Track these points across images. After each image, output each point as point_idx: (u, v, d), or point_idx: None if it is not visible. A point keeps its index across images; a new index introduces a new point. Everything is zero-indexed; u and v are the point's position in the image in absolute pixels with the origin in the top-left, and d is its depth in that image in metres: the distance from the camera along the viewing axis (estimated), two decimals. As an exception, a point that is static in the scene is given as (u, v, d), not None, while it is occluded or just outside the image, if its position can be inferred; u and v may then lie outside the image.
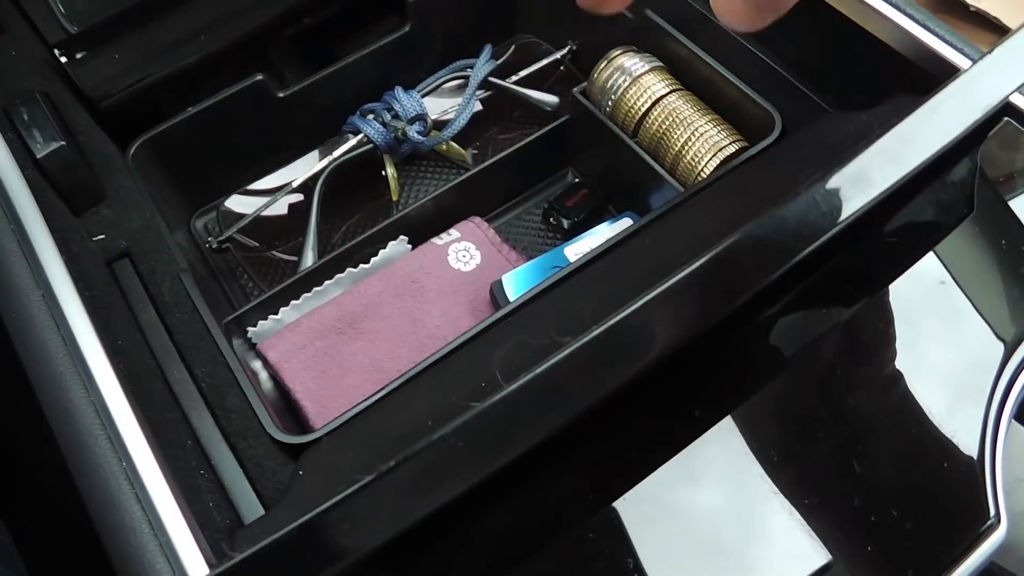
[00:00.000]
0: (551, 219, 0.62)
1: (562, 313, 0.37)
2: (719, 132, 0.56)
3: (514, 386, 0.27)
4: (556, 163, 0.65)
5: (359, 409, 0.44)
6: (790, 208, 0.34)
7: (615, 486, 0.39)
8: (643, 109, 0.57)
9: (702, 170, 0.55)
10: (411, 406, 0.39)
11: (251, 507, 0.42)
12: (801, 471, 0.41)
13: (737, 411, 0.42)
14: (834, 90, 0.55)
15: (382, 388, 0.44)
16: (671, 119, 0.57)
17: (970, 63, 0.47)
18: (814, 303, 0.44)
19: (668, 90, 0.58)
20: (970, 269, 0.49)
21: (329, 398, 0.51)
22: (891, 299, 0.47)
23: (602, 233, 0.58)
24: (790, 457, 0.41)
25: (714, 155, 0.55)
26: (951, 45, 0.48)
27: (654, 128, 0.57)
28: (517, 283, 0.54)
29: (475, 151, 0.68)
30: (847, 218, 0.34)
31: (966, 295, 0.48)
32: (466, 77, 0.66)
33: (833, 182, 0.35)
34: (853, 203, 0.34)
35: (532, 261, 0.56)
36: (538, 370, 0.27)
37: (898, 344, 0.46)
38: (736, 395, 0.42)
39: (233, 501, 0.42)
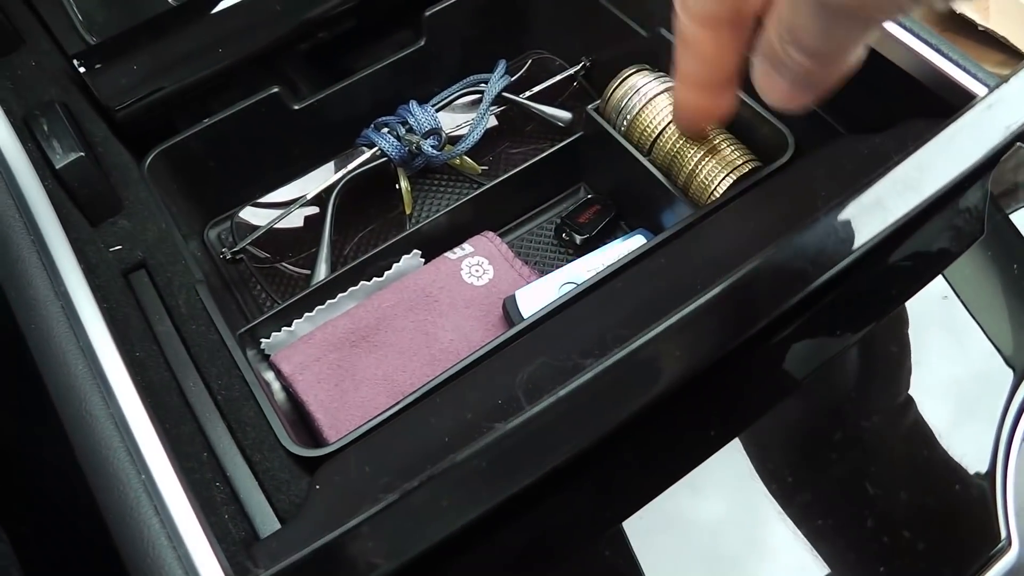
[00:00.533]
0: (563, 234, 0.62)
1: (581, 333, 0.38)
2: (732, 151, 0.56)
3: (538, 408, 0.28)
4: (569, 179, 0.66)
5: (374, 423, 0.44)
6: (809, 234, 0.34)
7: (628, 504, 0.39)
8: (658, 129, 0.58)
9: (715, 189, 0.56)
10: (427, 422, 0.40)
11: (266, 520, 0.42)
12: (813, 492, 0.41)
13: (749, 431, 0.42)
14: (846, 112, 0.55)
15: (397, 403, 0.45)
16: (684, 138, 0.57)
17: (983, 88, 0.47)
18: (826, 326, 0.44)
19: (682, 109, 0.58)
20: (979, 291, 0.50)
21: (342, 410, 0.51)
22: (901, 321, 0.47)
23: (614, 250, 0.59)
24: (802, 478, 0.42)
25: (727, 174, 0.55)
26: (964, 69, 0.49)
27: (668, 147, 0.58)
28: (530, 299, 0.54)
29: (486, 166, 0.68)
30: (864, 245, 0.34)
31: (974, 317, 0.49)
32: (480, 92, 0.67)
33: (851, 209, 0.35)
34: (870, 230, 0.35)
35: (545, 276, 0.57)
36: (562, 392, 0.28)
37: (908, 366, 0.46)
38: (748, 416, 0.43)
39: (248, 513, 0.42)
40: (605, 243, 0.61)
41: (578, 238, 0.62)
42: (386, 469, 0.38)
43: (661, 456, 0.39)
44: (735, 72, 0.33)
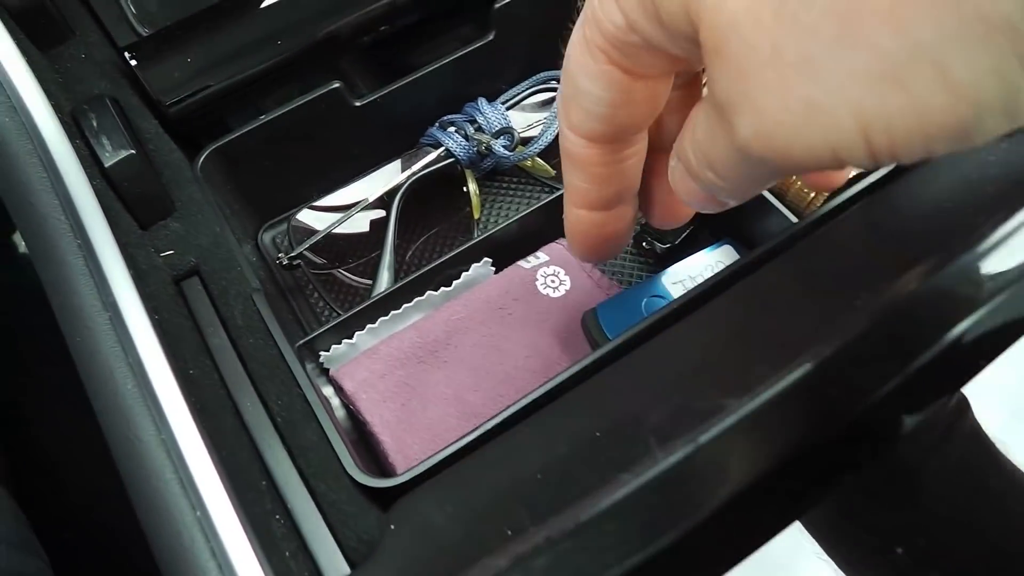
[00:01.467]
0: (643, 243, 0.58)
1: (701, 362, 0.33)
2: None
3: (680, 455, 0.23)
4: (648, 184, 0.61)
5: (450, 451, 0.40)
6: (975, 254, 0.29)
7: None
8: (751, 128, 0.53)
9: (815, 198, 0.51)
10: (514, 455, 0.35)
11: (331, 559, 0.38)
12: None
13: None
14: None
15: (475, 428, 0.40)
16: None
17: None
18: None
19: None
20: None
21: (409, 433, 0.47)
22: None
23: (701, 260, 0.54)
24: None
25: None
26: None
27: (762, 148, 0.53)
28: (613, 314, 0.50)
29: (556, 169, 0.64)
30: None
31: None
32: (551, 90, 0.62)
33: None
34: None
35: (628, 289, 0.52)
36: (707, 436, 0.23)
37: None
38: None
39: (312, 552, 0.38)
40: (688, 253, 0.56)
41: (659, 247, 0.57)
42: (472, 512, 0.33)
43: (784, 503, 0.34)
44: (633, 187, 0.29)
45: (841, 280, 0.37)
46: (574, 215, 0.29)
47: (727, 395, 0.24)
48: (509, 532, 0.31)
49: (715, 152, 0.22)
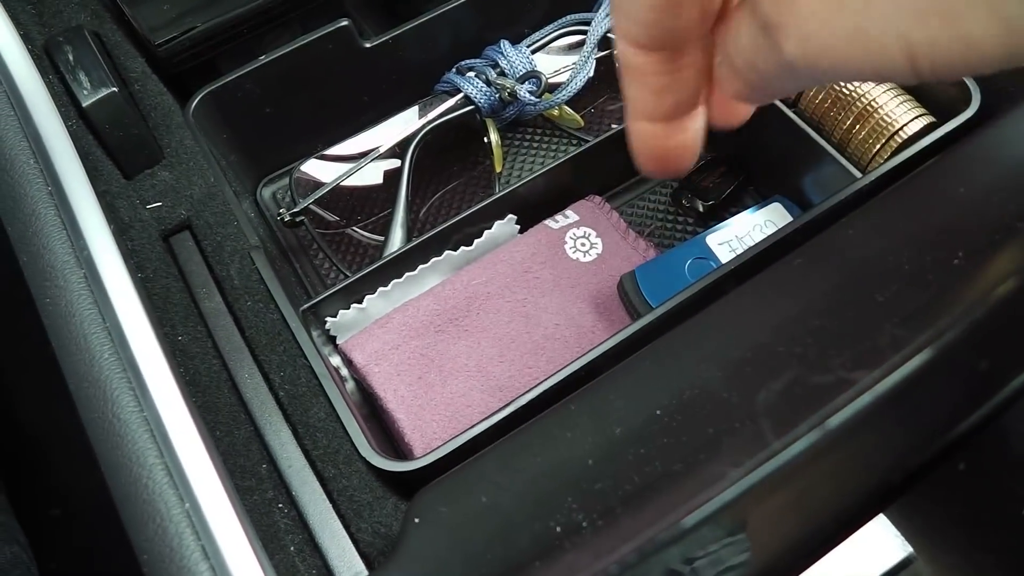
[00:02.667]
0: (684, 200, 0.52)
1: (799, 331, 0.27)
2: (901, 104, 0.46)
3: (804, 443, 0.18)
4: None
5: (477, 431, 0.34)
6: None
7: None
8: (808, 74, 0.47)
9: (880, 149, 0.45)
10: (561, 438, 0.30)
11: (343, 555, 0.32)
12: None
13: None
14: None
15: (505, 406, 0.35)
16: (840, 86, 0.47)
17: None
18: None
19: (838, 50, 0.47)
20: None
21: (427, 409, 0.42)
22: None
23: (748, 220, 0.48)
24: None
25: (896, 132, 0.45)
26: None
27: (819, 99, 0.47)
28: (654, 278, 0.45)
29: (584, 120, 0.58)
30: None
31: None
32: (579, 33, 0.56)
33: None
34: None
35: (668, 251, 0.47)
36: (841, 419, 0.18)
37: None
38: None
39: (321, 547, 0.33)
40: (732, 212, 0.51)
41: (701, 204, 0.51)
42: (512, 503, 0.28)
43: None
44: (694, 97, 0.26)
45: (934, 238, 0.32)
46: (635, 128, 0.27)
47: (857, 367, 0.19)
48: (558, 529, 0.26)
49: (759, 62, 0.22)
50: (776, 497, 0.19)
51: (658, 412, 0.28)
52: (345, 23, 0.51)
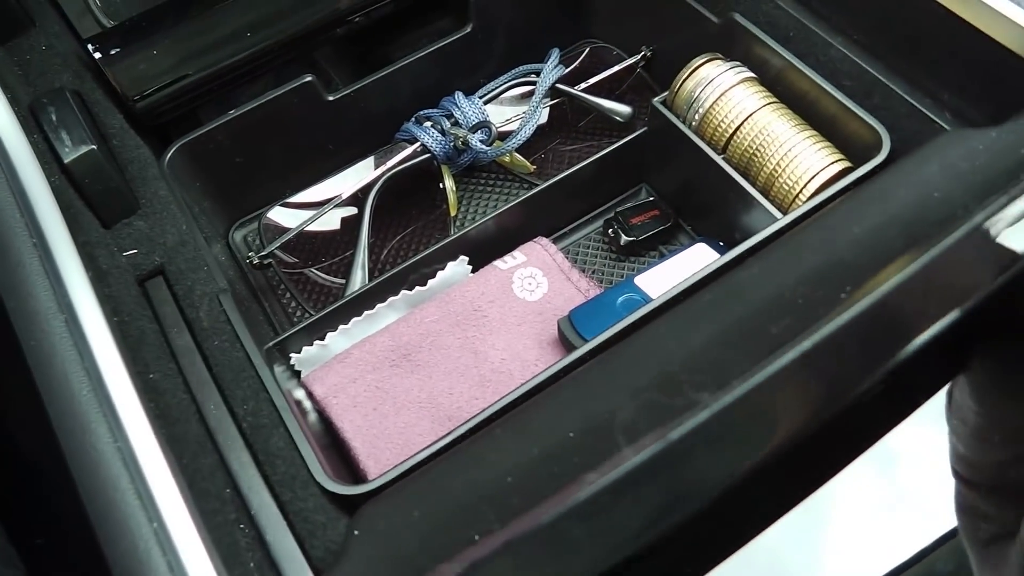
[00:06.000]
0: (610, 229, 0.56)
1: (678, 358, 0.31)
2: (819, 151, 0.50)
3: (649, 452, 0.22)
4: (630, 179, 0.60)
5: (422, 456, 0.38)
6: (960, 244, 0.28)
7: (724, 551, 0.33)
8: (734, 125, 0.51)
9: (800, 192, 0.50)
10: (485, 457, 0.34)
11: (298, 570, 0.36)
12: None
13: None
14: (948, 104, 0.49)
15: (447, 433, 0.39)
16: (764, 135, 0.51)
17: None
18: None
19: (761, 104, 0.52)
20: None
21: (381, 438, 0.46)
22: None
23: (679, 260, 0.52)
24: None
25: (813, 177, 0.49)
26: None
27: (745, 145, 0.52)
28: (588, 317, 0.48)
29: (535, 165, 0.62)
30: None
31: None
32: (530, 83, 0.61)
33: (1014, 209, 0.29)
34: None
35: (602, 293, 0.51)
36: (679, 433, 0.22)
37: None
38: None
39: (277, 562, 0.36)
40: (657, 250, 0.55)
41: (623, 238, 0.56)
42: (439, 515, 0.32)
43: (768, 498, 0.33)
44: None
45: (826, 274, 0.36)
46: None
47: (700, 391, 0.22)
48: (476, 536, 0.30)
49: None
50: (624, 498, 0.22)
51: (571, 434, 0.32)
52: (309, 79, 0.55)
